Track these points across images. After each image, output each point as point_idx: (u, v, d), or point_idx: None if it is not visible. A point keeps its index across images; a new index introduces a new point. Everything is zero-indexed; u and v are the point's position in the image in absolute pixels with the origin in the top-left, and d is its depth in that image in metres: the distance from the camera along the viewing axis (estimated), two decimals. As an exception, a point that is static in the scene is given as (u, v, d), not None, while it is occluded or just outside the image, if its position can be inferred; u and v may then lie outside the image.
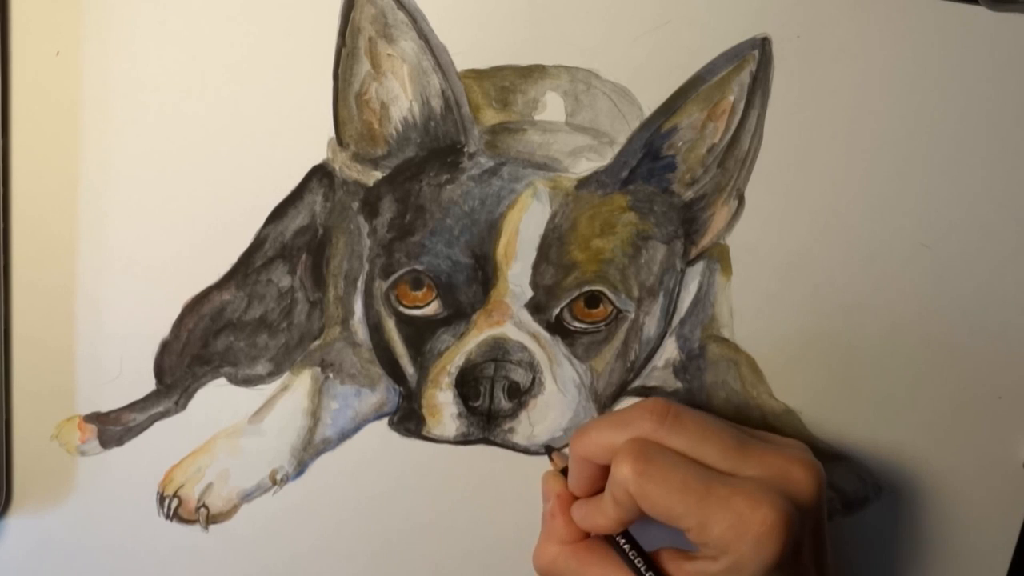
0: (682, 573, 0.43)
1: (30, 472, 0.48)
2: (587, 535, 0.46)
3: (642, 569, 0.44)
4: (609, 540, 0.45)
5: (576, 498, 0.46)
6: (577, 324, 0.49)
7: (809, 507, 0.42)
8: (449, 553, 0.51)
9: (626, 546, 0.45)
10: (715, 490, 0.41)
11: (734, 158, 0.47)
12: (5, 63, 0.44)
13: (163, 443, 0.48)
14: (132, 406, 0.48)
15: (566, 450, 0.49)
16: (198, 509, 0.49)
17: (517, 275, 0.48)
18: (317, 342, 0.48)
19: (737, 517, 0.40)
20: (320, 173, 0.46)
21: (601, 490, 0.45)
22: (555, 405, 0.49)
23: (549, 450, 0.49)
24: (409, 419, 0.49)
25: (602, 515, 0.44)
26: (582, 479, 0.46)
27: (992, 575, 0.52)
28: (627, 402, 0.50)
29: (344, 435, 0.49)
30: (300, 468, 0.49)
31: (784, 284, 0.49)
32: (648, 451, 0.42)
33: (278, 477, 0.49)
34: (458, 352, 0.48)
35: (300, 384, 0.48)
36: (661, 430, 0.43)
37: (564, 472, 0.48)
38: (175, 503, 0.49)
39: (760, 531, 0.40)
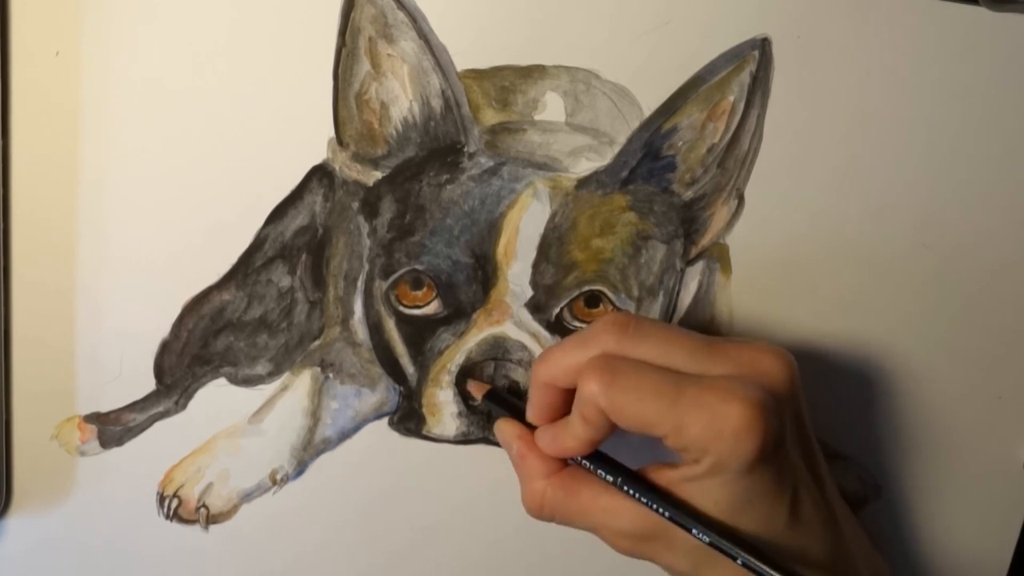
0: (665, 480, 0.41)
1: (30, 472, 0.48)
2: (564, 464, 0.44)
3: (620, 483, 0.42)
4: (579, 463, 0.44)
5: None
6: (577, 324, 0.49)
7: (784, 395, 0.41)
8: (449, 553, 0.51)
9: (596, 466, 0.43)
10: (686, 391, 0.39)
11: (734, 158, 0.47)
12: (5, 63, 0.44)
13: (163, 443, 0.48)
14: (132, 406, 0.48)
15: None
16: (198, 509, 0.49)
17: (517, 274, 0.48)
18: (317, 342, 0.48)
19: (712, 414, 0.39)
20: (320, 173, 0.46)
21: (561, 416, 0.43)
22: (555, 405, 0.49)
23: (460, 382, 0.48)
24: (409, 418, 0.49)
25: (571, 436, 0.42)
26: (544, 406, 0.44)
27: (992, 575, 0.52)
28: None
29: (344, 435, 0.49)
30: (300, 468, 0.49)
31: (784, 284, 0.49)
32: (614, 363, 0.41)
33: (278, 477, 0.49)
34: (458, 351, 0.48)
35: (300, 384, 0.49)
36: (624, 341, 0.41)
37: (495, 404, 0.47)
38: (175, 503, 0.49)
39: (737, 425, 0.39)
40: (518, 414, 0.46)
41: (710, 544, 0.40)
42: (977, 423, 0.50)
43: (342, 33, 0.45)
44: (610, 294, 0.48)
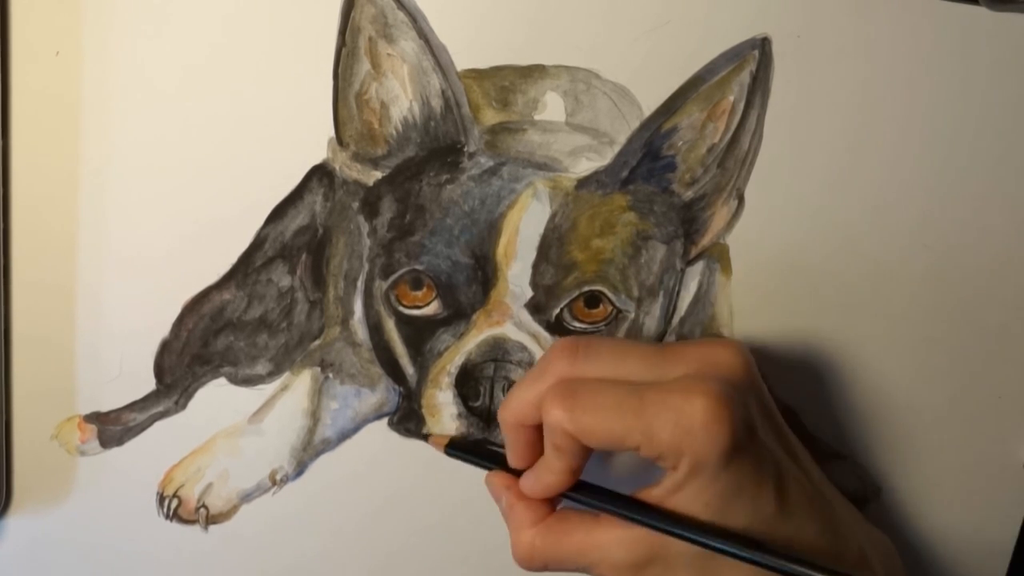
0: (651, 499, 0.41)
1: (30, 472, 0.48)
2: (552, 510, 0.44)
3: (610, 508, 0.41)
4: (569, 497, 0.43)
5: None
6: (577, 324, 0.49)
7: (744, 384, 0.41)
8: (449, 554, 0.51)
9: (583, 495, 0.42)
10: (648, 398, 0.39)
11: (734, 158, 0.47)
12: (5, 63, 0.44)
13: (163, 443, 0.48)
14: (132, 406, 0.48)
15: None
16: (198, 509, 0.49)
17: (517, 275, 0.48)
18: (317, 342, 0.48)
19: (678, 414, 0.38)
20: (320, 173, 0.46)
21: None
22: (555, 405, 0.49)
23: (426, 436, 0.49)
24: (409, 419, 0.49)
25: (549, 471, 0.42)
26: (521, 447, 0.43)
27: (992, 575, 0.52)
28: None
29: (344, 435, 0.49)
30: (300, 468, 0.49)
31: (784, 284, 0.49)
32: (572, 385, 0.40)
33: (278, 477, 0.49)
34: (458, 352, 0.48)
35: (300, 384, 0.49)
36: (577, 363, 0.41)
37: (462, 453, 0.46)
38: (175, 503, 0.49)
39: (704, 418, 0.38)
40: (497, 461, 0.45)
41: (709, 547, 0.39)
42: (977, 423, 0.50)
43: (342, 33, 0.45)
44: (610, 294, 0.48)
